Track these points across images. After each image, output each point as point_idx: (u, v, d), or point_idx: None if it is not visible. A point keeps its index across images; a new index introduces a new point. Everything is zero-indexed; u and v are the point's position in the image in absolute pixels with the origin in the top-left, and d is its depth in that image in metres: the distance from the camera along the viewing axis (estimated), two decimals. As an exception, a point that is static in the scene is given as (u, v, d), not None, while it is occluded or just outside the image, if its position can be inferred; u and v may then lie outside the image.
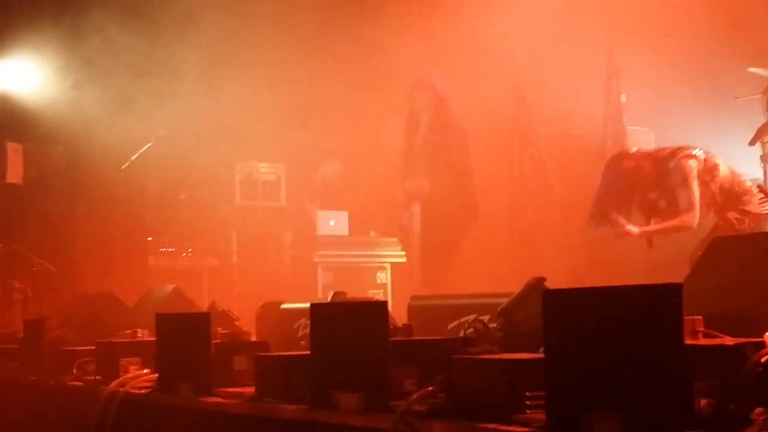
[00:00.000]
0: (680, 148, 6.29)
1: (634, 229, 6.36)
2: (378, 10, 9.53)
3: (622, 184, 6.35)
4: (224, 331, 4.68)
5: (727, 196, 6.23)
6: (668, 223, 6.27)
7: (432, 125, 8.28)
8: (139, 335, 5.25)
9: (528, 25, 9.60)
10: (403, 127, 8.55)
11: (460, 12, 9.49)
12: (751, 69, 8.20)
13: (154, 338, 4.76)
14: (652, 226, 6.38)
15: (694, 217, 6.12)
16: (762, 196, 6.33)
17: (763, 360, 2.39)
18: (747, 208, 6.21)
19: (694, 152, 6.22)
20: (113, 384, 4.75)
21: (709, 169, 6.19)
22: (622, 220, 6.34)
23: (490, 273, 8.31)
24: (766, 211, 6.34)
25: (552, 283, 3.72)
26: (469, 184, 8.13)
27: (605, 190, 6.48)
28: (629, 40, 9.97)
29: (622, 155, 6.54)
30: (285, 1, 9.54)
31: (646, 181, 6.29)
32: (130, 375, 4.83)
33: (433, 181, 8.13)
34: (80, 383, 5.24)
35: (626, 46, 10.01)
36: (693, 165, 6.16)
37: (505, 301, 3.96)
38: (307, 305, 3.90)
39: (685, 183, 6.13)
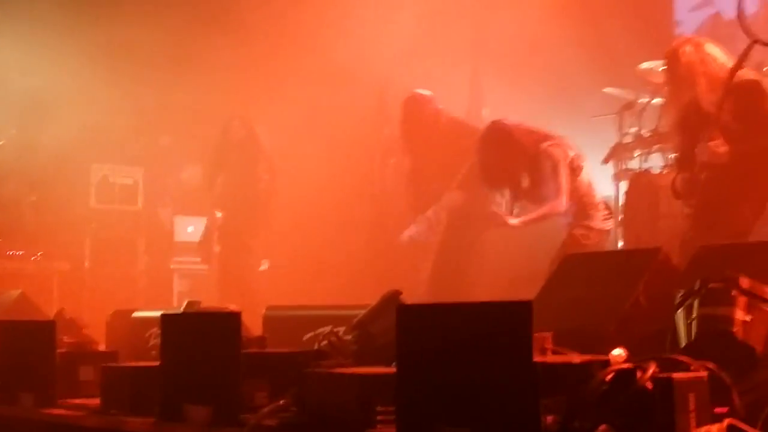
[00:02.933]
0: (557, 136, 6.43)
1: (513, 221, 6.43)
2: (242, 17, 9.45)
3: (501, 154, 6.42)
4: (70, 340, 4.53)
5: (580, 202, 6.36)
6: (540, 211, 6.35)
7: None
8: (-20, 343, 5.03)
9: (394, 36, 9.67)
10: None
11: (324, 21, 9.49)
12: (607, 89, 8.42)
13: (-4, 346, 4.57)
14: (527, 217, 6.44)
15: (562, 203, 6.24)
16: (606, 212, 6.50)
17: (607, 378, 2.43)
18: (591, 224, 6.37)
19: (566, 143, 6.38)
20: (-51, 394, 4.53)
21: (574, 168, 6.33)
22: (501, 211, 6.44)
23: (351, 285, 8.31)
24: (608, 227, 6.52)
25: (411, 297, 3.73)
26: None
27: (485, 161, 6.52)
28: (492, 57, 10.15)
29: (505, 124, 6.56)
30: (150, 2, 9.36)
31: (521, 156, 6.35)
32: (-32, 384, 4.62)
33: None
34: None
35: (489, 63, 10.18)
36: (563, 154, 6.29)
37: (361, 313, 3.95)
38: (160, 314, 3.81)
39: (555, 169, 6.24)
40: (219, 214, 8.69)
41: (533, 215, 6.42)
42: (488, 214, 6.52)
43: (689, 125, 5.68)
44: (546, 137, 6.42)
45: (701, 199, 5.54)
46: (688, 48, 5.65)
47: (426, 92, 7.86)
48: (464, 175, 7.37)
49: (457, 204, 7.34)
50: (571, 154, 6.37)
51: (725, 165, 5.41)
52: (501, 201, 6.73)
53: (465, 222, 7.36)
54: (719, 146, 5.38)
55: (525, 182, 6.44)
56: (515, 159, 6.42)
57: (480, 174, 6.66)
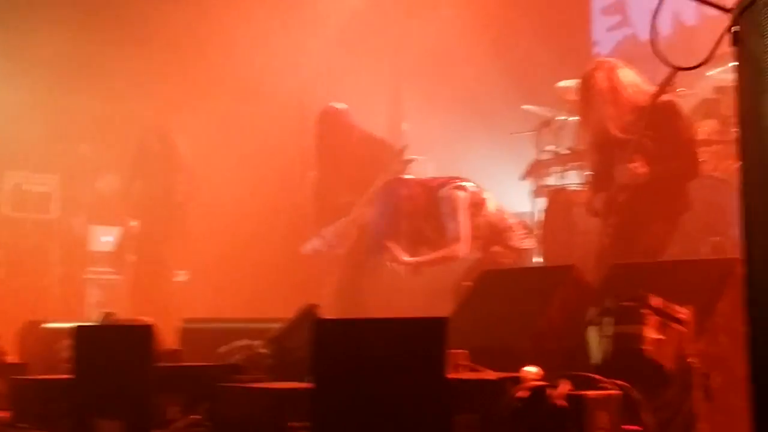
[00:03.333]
0: (451, 179, 6.46)
1: (407, 258, 6.45)
2: (161, 27, 9.35)
3: (396, 210, 6.45)
4: (-21, 352, 4.43)
5: (493, 230, 6.42)
6: (438, 254, 6.39)
7: None
8: None
9: (314, 49, 9.67)
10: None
11: (244, 33, 9.44)
12: (525, 107, 8.51)
13: None
14: (424, 257, 6.50)
15: (463, 247, 6.27)
16: (524, 232, 6.56)
17: (520, 395, 2.45)
18: (510, 243, 6.43)
19: (464, 184, 6.40)
20: None
21: (476, 203, 6.37)
22: (396, 247, 6.43)
23: (268, 298, 8.26)
24: (527, 246, 6.58)
25: (328, 311, 3.72)
26: None
27: (380, 217, 6.55)
28: (412, 73, 10.21)
29: (397, 182, 6.64)
30: (67, 10, 9.22)
31: (418, 209, 6.41)
32: None
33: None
34: None
35: (409, 78, 10.24)
36: (462, 196, 6.33)
37: (278, 326, 3.93)
38: (72, 325, 3.74)
39: (454, 213, 6.29)
40: (134, 223, 8.56)
41: (430, 257, 6.45)
42: (383, 248, 6.50)
43: (602, 146, 5.77)
44: (445, 182, 6.44)
45: (619, 219, 5.62)
46: (599, 74, 5.71)
47: (341, 105, 7.83)
48: (374, 191, 7.38)
49: (367, 219, 7.36)
50: (472, 189, 6.40)
51: (642, 185, 5.50)
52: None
53: None
54: (638, 168, 5.47)
55: (426, 232, 6.47)
56: (410, 214, 6.43)
57: (376, 230, 6.62)
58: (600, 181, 5.87)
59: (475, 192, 6.39)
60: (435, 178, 6.68)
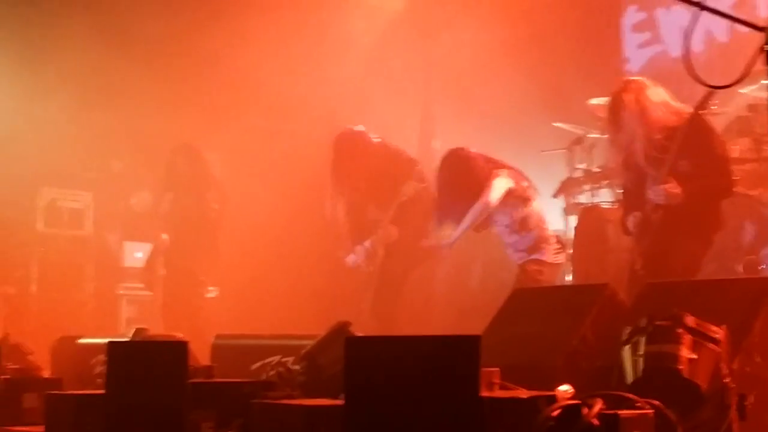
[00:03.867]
0: (512, 168, 6.53)
1: (446, 241, 6.56)
2: (192, 46, 9.42)
3: (458, 179, 6.50)
4: (14, 366, 4.46)
5: (528, 233, 6.41)
6: (468, 217, 6.44)
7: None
8: None
9: (346, 66, 9.71)
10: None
11: (278, 51, 9.50)
12: (557, 124, 8.48)
13: (-64, 372, 4.49)
14: (457, 230, 6.54)
15: (488, 199, 6.33)
16: (558, 246, 6.55)
17: (554, 414, 2.44)
18: (544, 258, 6.42)
19: (520, 174, 6.47)
20: None
21: (522, 196, 6.41)
22: (432, 244, 6.53)
23: (300, 314, 8.28)
24: (559, 261, 6.59)
25: (359, 327, 3.72)
26: None
27: (447, 183, 6.61)
28: (444, 90, 10.23)
29: (464, 151, 6.67)
30: (100, 31, 9.31)
31: (475, 186, 6.44)
32: None
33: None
34: None
35: (441, 96, 10.26)
36: (509, 181, 6.40)
37: (310, 343, 3.94)
38: (106, 341, 3.77)
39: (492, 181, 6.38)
40: (165, 236, 8.60)
41: (464, 223, 6.49)
42: (423, 248, 6.58)
43: (632, 166, 5.74)
44: (502, 166, 6.52)
45: (653, 238, 5.58)
46: (627, 96, 5.68)
47: (359, 128, 7.79)
48: (397, 210, 7.38)
49: (393, 238, 7.40)
50: (525, 184, 6.45)
51: (677, 204, 5.47)
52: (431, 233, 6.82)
53: (401, 256, 7.41)
54: (673, 188, 5.44)
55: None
56: (471, 186, 6.48)
57: (436, 200, 6.72)
58: (631, 198, 5.84)
59: (528, 187, 6.44)
60: (498, 160, 6.69)
